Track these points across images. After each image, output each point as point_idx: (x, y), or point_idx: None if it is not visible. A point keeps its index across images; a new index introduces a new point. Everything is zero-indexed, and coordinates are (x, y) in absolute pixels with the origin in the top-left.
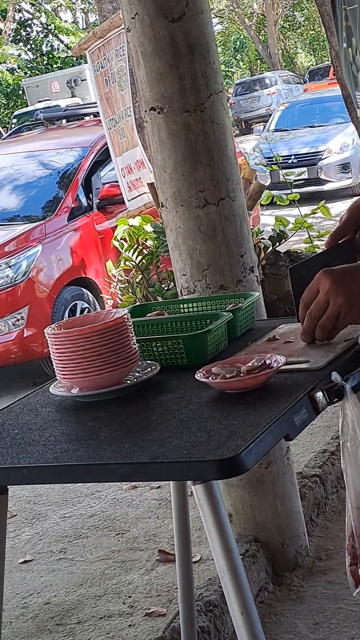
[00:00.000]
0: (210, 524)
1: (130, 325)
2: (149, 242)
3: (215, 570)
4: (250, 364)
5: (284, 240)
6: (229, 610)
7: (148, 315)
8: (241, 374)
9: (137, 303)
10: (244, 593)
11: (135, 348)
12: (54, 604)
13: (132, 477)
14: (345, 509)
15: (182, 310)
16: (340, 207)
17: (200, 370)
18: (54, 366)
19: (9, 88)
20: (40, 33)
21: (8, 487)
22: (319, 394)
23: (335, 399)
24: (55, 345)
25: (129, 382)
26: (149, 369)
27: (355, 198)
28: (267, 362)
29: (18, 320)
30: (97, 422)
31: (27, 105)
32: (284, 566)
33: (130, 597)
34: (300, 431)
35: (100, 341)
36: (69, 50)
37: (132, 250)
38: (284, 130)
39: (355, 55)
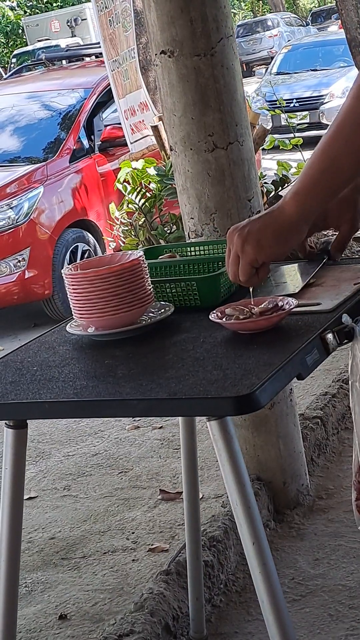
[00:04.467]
0: (224, 458)
1: (146, 267)
2: (152, 185)
3: (218, 507)
4: (263, 306)
5: (286, 184)
6: (241, 542)
7: (160, 257)
8: (254, 316)
9: (140, 246)
10: (255, 524)
11: (150, 289)
12: (58, 539)
13: (150, 413)
14: (345, 451)
15: (190, 254)
16: None
17: (214, 312)
18: (71, 306)
19: (9, 27)
20: None
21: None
22: (330, 335)
23: (345, 340)
24: (73, 285)
25: (143, 322)
26: (163, 310)
27: None
28: (280, 304)
29: (19, 261)
30: (114, 360)
31: (26, 45)
32: (285, 504)
33: (133, 533)
34: (312, 371)
35: (116, 282)
36: None
37: (135, 193)
38: (286, 74)
39: None
